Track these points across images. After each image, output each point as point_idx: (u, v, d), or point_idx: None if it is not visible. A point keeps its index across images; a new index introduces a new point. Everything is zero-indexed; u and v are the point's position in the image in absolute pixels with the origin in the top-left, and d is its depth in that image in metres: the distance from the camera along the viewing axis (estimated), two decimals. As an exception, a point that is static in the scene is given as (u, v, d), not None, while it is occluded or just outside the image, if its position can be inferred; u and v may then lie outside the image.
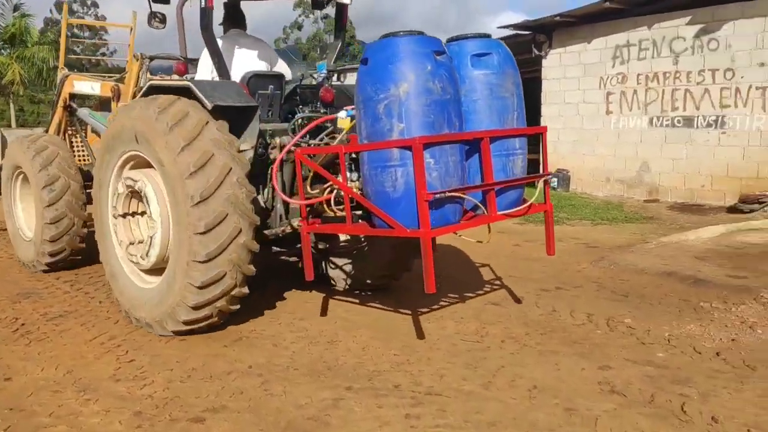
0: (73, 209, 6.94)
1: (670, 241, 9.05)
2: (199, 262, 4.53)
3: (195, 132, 4.54)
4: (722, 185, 12.00)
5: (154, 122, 4.66)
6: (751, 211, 11.15)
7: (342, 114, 4.52)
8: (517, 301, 5.97)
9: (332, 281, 6.29)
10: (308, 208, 4.66)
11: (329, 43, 6.26)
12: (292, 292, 6.29)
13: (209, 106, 4.75)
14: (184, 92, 4.95)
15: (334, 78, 6.01)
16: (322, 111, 5.91)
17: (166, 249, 4.91)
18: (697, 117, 12.28)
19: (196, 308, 4.68)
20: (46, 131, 8.17)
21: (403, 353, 4.61)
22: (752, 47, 11.42)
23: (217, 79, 5.48)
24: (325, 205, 4.49)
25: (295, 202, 4.53)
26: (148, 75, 6.33)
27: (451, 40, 4.43)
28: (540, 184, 4.63)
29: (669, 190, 12.84)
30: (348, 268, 6.12)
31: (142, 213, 5.28)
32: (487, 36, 4.45)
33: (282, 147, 5.15)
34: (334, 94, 5.87)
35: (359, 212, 4.52)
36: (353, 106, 4.53)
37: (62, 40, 8.38)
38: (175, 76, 5.43)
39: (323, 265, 6.25)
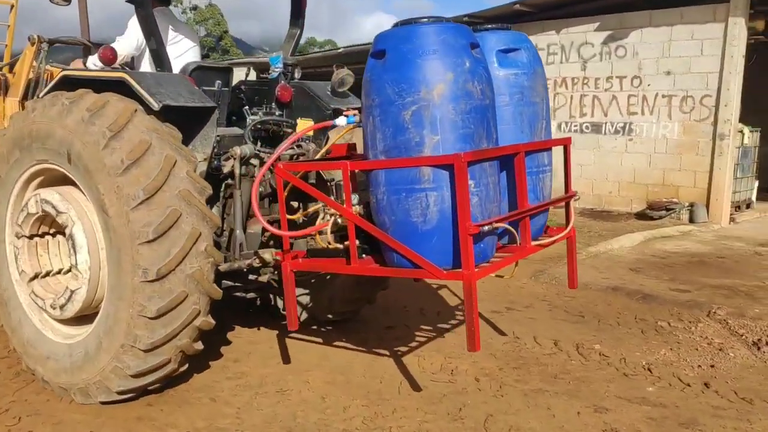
0: None
1: (598, 252, 9.05)
2: (140, 349, 3.54)
3: (159, 181, 3.53)
4: (629, 191, 12.16)
5: (92, 141, 3.55)
6: (660, 217, 11.35)
7: (341, 120, 3.59)
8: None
9: (280, 313, 5.30)
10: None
11: (287, 33, 5.25)
12: (219, 325, 5.27)
13: (156, 106, 3.66)
14: (115, 87, 3.81)
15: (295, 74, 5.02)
16: (277, 114, 4.93)
17: (91, 304, 3.76)
18: (605, 123, 12.36)
19: (136, 376, 3.63)
20: None
21: (371, 403, 4.05)
22: (659, 55, 11.60)
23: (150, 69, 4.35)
24: (318, 237, 3.56)
25: (285, 234, 3.54)
26: (47, 64, 5.02)
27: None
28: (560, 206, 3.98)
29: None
30: (304, 300, 5.17)
31: (55, 234, 4.05)
32: (508, 27, 3.72)
33: (243, 158, 4.13)
34: (292, 93, 4.90)
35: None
36: (354, 111, 3.63)
37: None
38: (97, 64, 4.24)
39: (271, 295, 5.25)
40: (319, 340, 5.11)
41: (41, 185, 4.03)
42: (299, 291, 5.11)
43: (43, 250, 4.07)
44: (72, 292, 3.74)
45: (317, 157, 3.97)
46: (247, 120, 4.82)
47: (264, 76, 5.12)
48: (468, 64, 3.14)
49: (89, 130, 3.54)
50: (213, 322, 3.81)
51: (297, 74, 5.15)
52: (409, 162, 3.11)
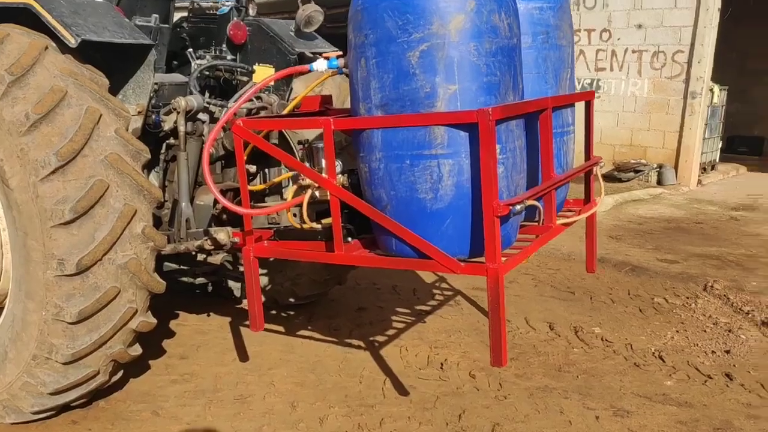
0: None
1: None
2: (58, 362, 2.70)
3: (78, 142, 2.67)
4: (595, 151, 11.65)
5: None
6: (628, 180, 10.93)
7: (319, 64, 2.76)
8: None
9: (233, 295, 4.51)
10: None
11: None
12: (159, 313, 4.45)
13: (73, 41, 2.78)
14: (20, 17, 2.90)
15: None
16: (228, 58, 4.06)
17: None
18: (572, 79, 11.76)
19: (55, 394, 2.79)
20: None
21: (352, 411, 3.35)
22: (630, 7, 10.99)
23: None
24: (289, 214, 2.78)
25: (247, 211, 2.74)
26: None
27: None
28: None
29: (541, 156, 12.31)
30: (261, 281, 4.37)
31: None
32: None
33: (189, 112, 3.29)
34: (247, 33, 4.03)
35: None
36: (338, 53, 2.82)
37: None
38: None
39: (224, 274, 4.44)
40: (281, 328, 4.35)
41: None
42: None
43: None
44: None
45: (284, 111, 3.15)
46: (192, 65, 3.94)
47: (211, 12, 4.22)
48: (493, -9, 2.37)
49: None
50: (153, 321, 3.02)
51: (252, 11, 4.26)
52: (418, 119, 2.35)
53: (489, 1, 2.34)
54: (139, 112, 3.20)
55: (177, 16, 4.32)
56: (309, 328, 4.38)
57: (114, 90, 3.13)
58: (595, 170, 3.16)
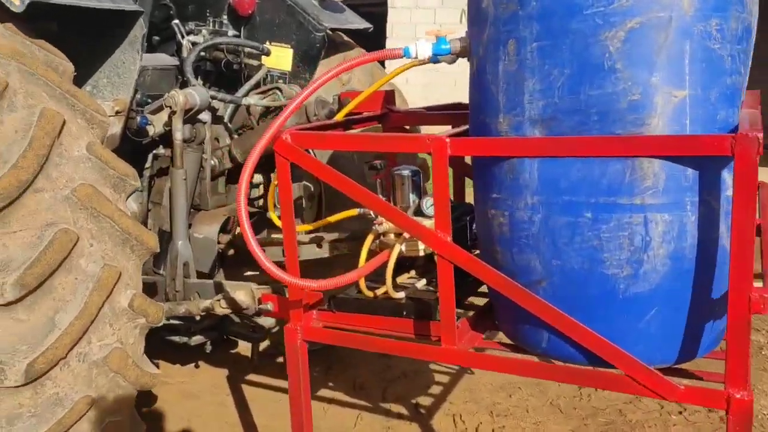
0: None
1: None
2: None
3: (27, 167, 1.64)
4: None
5: None
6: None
7: (423, 48, 1.74)
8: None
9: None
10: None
11: None
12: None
13: (17, 4, 1.73)
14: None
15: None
16: (230, 33, 3.02)
17: None
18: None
19: None
20: None
21: None
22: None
23: None
24: (362, 280, 1.81)
25: (299, 283, 1.74)
26: None
27: None
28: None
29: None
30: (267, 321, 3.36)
31: None
32: None
33: (189, 112, 2.28)
34: (255, 2, 3.00)
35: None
36: (446, 33, 1.83)
37: None
38: None
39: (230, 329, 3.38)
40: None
41: None
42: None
43: None
44: None
45: (340, 116, 2.14)
46: (183, 43, 2.89)
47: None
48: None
49: None
50: (142, 428, 2.01)
51: None
52: (617, 146, 1.40)
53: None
54: (117, 112, 2.17)
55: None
56: (330, 386, 3.40)
57: (80, 79, 2.10)
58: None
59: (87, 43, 2.13)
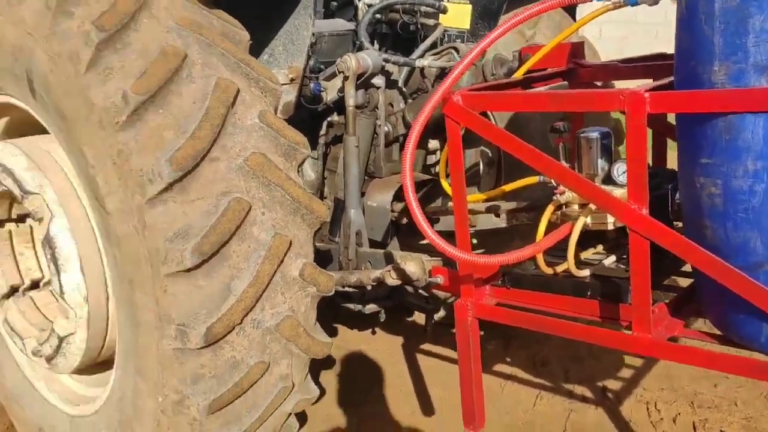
0: None
1: None
2: None
3: (204, 137, 1.67)
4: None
5: (65, 52, 1.68)
6: None
7: None
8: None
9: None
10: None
11: None
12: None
13: None
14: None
15: None
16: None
17: (100, 353, 2.03)
18: None
19: None
20: None
21: None
22: None
23: None
24: (540, 255, 1.64)
25: (469, 258, 1.63)
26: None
27: None
28: None
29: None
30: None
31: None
32: None
33: (361, 77, 2.22)
34: None
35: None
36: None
37: None
38: None
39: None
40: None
41: (11, 134, 2.26)
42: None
43: (25, 244, 2.34)
44: (60, 339, 2.01)
45: (518, 74, 1.97)
46: (359, 6, 2.82)
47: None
48: None
49: (59, 29, 1.68)
50: (314, 394, 2.03)
51: None
52: None
53: None
54: (292, 80, 2.17)
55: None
56: (508, 361, 3.25)
57: (256, 48, 2.12)
58: None
59: (262, 11, 2.14)
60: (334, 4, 3.04)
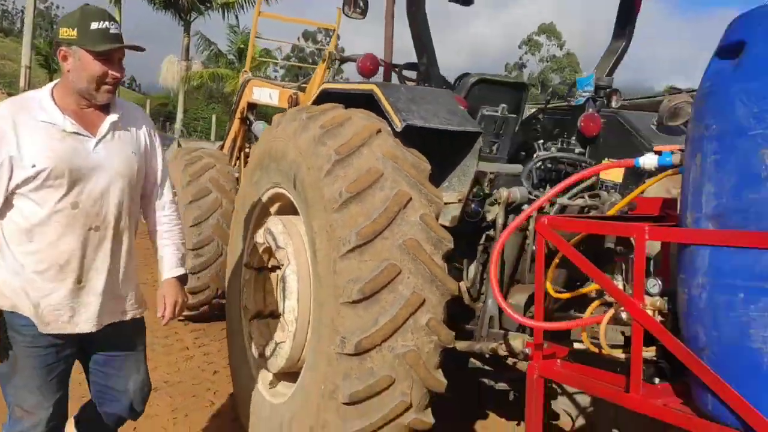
0: (224, 235, 5.25)
1: None
2: None
3: (380, 224, 2.67)
4: None
5: (317, 165, 2.83)
6: None
7: (648, 159, 2.28)
8: None
9: (556, 414, 3.99)
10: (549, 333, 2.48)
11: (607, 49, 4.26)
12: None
13: (398, 125, 2.82)
14: (374, 104, 3.07)
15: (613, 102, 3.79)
16: (576, 151, 3.74)
17: (296, 364, 3.07)
18: None
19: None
20: (222, 147, 6.85)
21: None
22: None
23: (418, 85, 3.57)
24: (584, 334, 2.30)
25: (529, 323, 2.39)
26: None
27: None
28: None
29: None
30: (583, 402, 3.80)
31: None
32: None
33: (511, 204, 3.06)
34: (601, 125, 3.67)
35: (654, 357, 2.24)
36: (675, 147, 2.31)
37: (252, 37, 7.03)
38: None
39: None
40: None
41: (280, 212, 3.49)
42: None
43: (274, 286, 3.51)
44: (277, 344, 3.07)
45: (610, 212, 2.68)
46: (535, 156, 3.72)
47: (569, 100, 3.97)
48: None
49: (317, 152, 2.83)
50: (430, 420, 2.78)
51: (615, 102, 3.89)
52: (763, 240, 1.69)
53: None
54: (459, 200, 3.09)
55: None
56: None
57: (441, 177, 3.10)
58: None
59: (447, 152, 3.13)
60: (523, 154, 3.99)
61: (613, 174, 3.62)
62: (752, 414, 1.69)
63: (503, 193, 3.10)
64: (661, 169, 2.30)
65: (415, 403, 2.68)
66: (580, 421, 3.88)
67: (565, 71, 60.46)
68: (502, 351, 2.84)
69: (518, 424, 4.09)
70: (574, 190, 3.41)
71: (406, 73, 4.40)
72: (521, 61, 50.13)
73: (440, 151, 3.10)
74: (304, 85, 5.43)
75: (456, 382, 3.04)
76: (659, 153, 2.21)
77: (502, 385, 3.43)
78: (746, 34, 1.82)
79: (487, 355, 2.98)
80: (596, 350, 2.30)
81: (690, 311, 1.90)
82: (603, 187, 3.57)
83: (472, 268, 3.45)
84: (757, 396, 1.70)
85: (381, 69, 4.02)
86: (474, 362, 3.42)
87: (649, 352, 2.23)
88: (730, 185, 1.79)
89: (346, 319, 2.57)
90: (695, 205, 1.90)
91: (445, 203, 2.98)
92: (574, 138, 3.79)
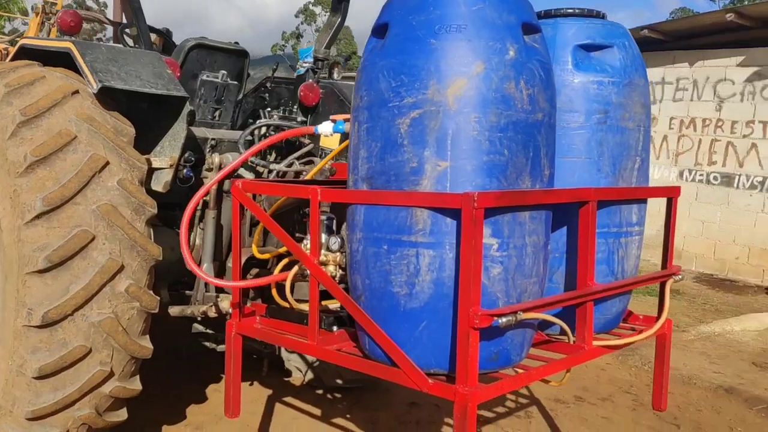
0: None
1: (712, 333, 7.33)
2: (21, 417, 2.53)
3: (71, 188, 2.55)
4: (762, 260, 10.17)
5: (1, 126, 2.62)
6: (797, 295, 9.37)
7: (325, 127, 2.48)
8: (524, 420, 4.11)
9: (290, 372, 4.21)
10: (247, 292, 2.61)
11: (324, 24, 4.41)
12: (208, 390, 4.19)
13: (95, 86, 2.71)
14: (66, 60, 2.90)
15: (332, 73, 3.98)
16: (299, 119, 3.89)
17: None
18: (739, 176, 10.46)
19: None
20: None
21: None
22: (816, 101, 9.69)
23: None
24: (274, 291, 2.46)
25: (217, 283, 2.48)
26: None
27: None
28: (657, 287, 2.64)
29: (694, 257, 10.99)
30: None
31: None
32: (600, 15, 2.47)
33: (220, 168, 3.12)
34: (320, 95, 3.85)
35: (337, 309, 2.47)
36: (347, 116, 2.52)
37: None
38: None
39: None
40: (318, 411, 3.96)
41: None
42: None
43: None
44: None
45: (308, 177, 2.87)
46: (249, 123, 3.82)
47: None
48: (513, 53, 1.94)
49: (1, 112, 2.62)
50: (136, 387, 2.78)
51: (337, 74, 4.10)
52: (398, 198, 1.94)
53: (503, 65, 1.91)
54: (170, 165, 3.07)
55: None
56: (347, 416, 3.95)
57: (154, 142, 3.05)
58: (668, 283, 2.50)
59: (160, 116, 3.08)
60: (251, 121, 4.04)
61: (331, 141, 3.85)
62: (393, 348, 1.95)
63: (215, 158, 3.14)
64: (342, 137, 2.50)
65: (117, 371, 2.66)
66: (310, 375, 4.16)
67: (340, 43, 61.87)
68: (212, 313, 2.91)
69: (251, 384, 4.23)
70: (289, 158, 3.57)
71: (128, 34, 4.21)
72: (298, 31, 50.30)
73: (153, 115, 3.05)
74: (18, 39, 4.95)
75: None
76: (335, 121, 2.41)
77: (222, 347, 3.52)
78: (389, 17, 2.05)
79: (198, 318, 3.04)
80: (286, 305, 2.47)
81: (352, 263, 2.12)
82: (322, 155, 3.78)
83: (192, 235, 3.47)
84: (396, 333, 1.96)
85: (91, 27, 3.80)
86: (197, 327, 3.47)
87: (334, 304, 2.46)
88: (377, 150, 2.02)
89: (32, 289, 2.45)
90: (354, 168, 2.12)
91: (156, 168, 2.95)
92: (296, 107, 3.94)
